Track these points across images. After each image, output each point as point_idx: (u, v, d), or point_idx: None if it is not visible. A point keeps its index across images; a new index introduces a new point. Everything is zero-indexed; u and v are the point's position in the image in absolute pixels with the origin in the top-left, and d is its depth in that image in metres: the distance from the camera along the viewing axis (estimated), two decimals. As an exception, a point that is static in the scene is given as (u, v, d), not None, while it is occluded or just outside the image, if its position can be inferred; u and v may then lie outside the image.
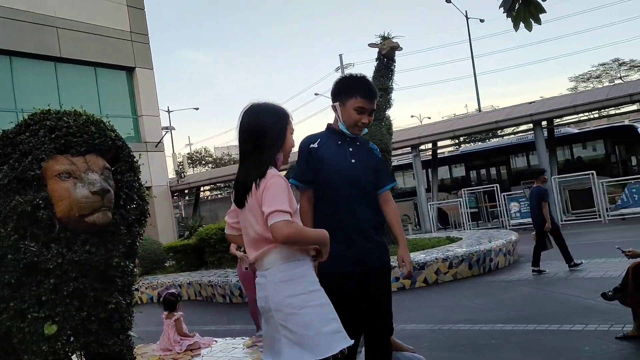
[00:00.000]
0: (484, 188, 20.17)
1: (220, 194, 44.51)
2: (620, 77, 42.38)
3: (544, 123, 18.69)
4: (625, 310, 4.88)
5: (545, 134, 19.20)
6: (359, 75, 3.22)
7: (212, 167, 45.45)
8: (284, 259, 2.38)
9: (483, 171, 24.00)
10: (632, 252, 4.86)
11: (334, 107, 3.16)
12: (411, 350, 3.65)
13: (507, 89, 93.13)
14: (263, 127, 2.46)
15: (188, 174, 30.86)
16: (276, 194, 2.30)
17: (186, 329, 6.01)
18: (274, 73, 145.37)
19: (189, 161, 45.13)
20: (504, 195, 18.09)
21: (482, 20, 34.34)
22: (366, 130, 3.18)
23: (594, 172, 16.55)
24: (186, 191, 29.04)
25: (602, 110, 20.74)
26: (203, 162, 49.51)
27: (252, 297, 6.94)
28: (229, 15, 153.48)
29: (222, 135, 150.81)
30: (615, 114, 25.33)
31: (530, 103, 20.29)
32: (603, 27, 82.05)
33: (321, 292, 2.42)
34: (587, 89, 38.53)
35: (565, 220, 17.07)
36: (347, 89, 3.12)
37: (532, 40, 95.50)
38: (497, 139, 27.68)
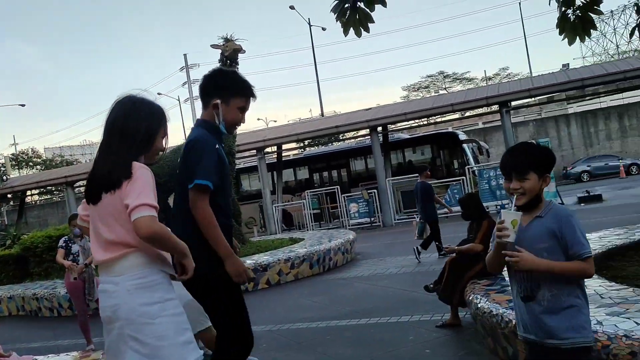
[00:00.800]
0: (325, 190, 20.96)
1: (51, 198, 40.93)
2: (445, 88, 46.78)
3: (379, 128, 19.94)
4: (444, 300, 5.36)
5: (381, 138, 20.48)
6: (232, 72, 3.12)
7: (42, 169, 41.57)
8: (143, 265, 2.21)
9: (325, 174, 24.95)
10: (449, 248, 5.37)
11: (215, 105, 2.85)
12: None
13: (349, 95, 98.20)
14: (135, 124, 2.29)
15: (12, 176, 27.89)
16: (144, 187, 2.14)
17: (1, 348, 5.39)
18: (113, 71, 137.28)
19: (14, 162, 40.87)
20: (344, 197, 18.97)
21: (324, 29, 35.73)
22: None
23: (423, 174, 18.01)
24: (9, 195, 26.18)
25: (430, 118, 22.66)
26: (30, 163, 45.17)
27: (82, 309, 6.46)
28: (64, 9, 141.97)
29: (53, 135, 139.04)
30: (441, 122, 27.95)
31: (367, 110, 21.54)
32: (431, 41, 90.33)
33: (176, 300, 2.30)
34: (417, 97, 41.94)
35: (398, 220, 18.37)
36: (232, 86, 2.90)
37: (372, 50, 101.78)
38: (340, 143, 28.95)
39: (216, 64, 11.73)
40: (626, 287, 3.99)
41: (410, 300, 6.55)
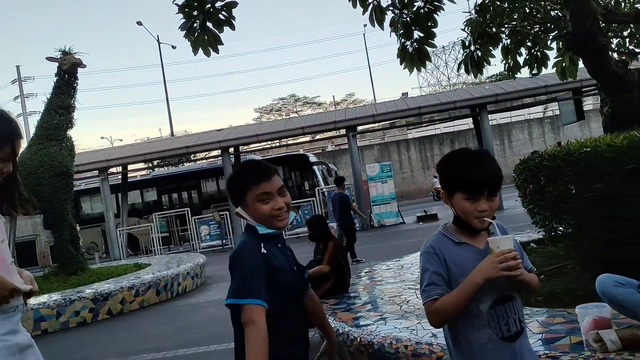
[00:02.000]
0: (175, 212, 20.27)
1: None
2: (296, 112, 48.09)
3: (231, 149, 19.83)
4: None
5: (233, 160, 20.38)
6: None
7: None
8: None
9: (175, 195, 24.17)
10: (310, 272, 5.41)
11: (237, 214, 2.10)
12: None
13: (200, 115, 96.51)
14: None
15: None
16: None
17: None
18: None
19: None
20: (194, 219, 18.48)
21: (174, 47, 34.85)
22: None
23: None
24: None
25: (282, 140, 23.07)
26: None
27: None
28: None
29: None
30: (293, 144, 28.52)
31: (219, 130, 21.36)
32: (284, 65, 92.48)
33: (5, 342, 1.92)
34: (269, 120, 42.59)
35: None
36: (241, 183, 2.06)
37: (225, 70, 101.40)
38: (190, 164, 28.26)
39: (53, 78, 10.86)
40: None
41: (261, 323, 6.49)
